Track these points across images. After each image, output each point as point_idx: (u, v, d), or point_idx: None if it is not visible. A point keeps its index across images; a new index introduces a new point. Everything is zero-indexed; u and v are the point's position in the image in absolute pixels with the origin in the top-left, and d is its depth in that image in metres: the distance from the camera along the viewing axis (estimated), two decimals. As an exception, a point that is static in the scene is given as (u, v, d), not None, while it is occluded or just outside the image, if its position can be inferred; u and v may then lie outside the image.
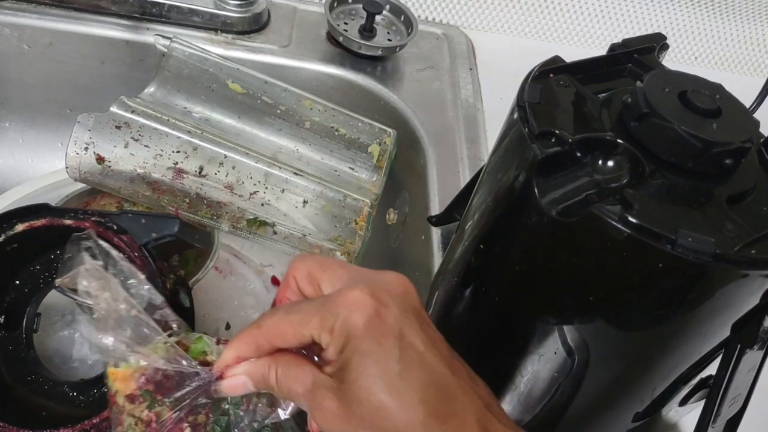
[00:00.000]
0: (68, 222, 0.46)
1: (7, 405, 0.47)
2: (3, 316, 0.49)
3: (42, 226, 0.46)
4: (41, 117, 0.79)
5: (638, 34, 0.47)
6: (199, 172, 0.59)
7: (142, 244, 0.45)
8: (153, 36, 0.69)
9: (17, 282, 0.50)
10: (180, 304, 0.47)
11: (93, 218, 0.46)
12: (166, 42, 0.66)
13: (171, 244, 0.47)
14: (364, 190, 0.65)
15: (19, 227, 0.46)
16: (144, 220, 0.46)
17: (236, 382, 0.35)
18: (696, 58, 0.98)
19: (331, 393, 0.32)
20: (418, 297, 0.34)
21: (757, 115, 0.39)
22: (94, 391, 0.49)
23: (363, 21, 0.78)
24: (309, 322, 0.32)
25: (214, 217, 0.61)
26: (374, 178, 0.67)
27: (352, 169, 0.67)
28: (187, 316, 0.46)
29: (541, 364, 0.41)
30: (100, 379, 0.48)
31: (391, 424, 0.30)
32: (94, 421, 0.43)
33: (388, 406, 0.30)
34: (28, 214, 0.46)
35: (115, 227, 0.45)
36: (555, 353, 0.40)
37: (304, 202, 0.61)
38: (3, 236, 0.46)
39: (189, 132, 0.60)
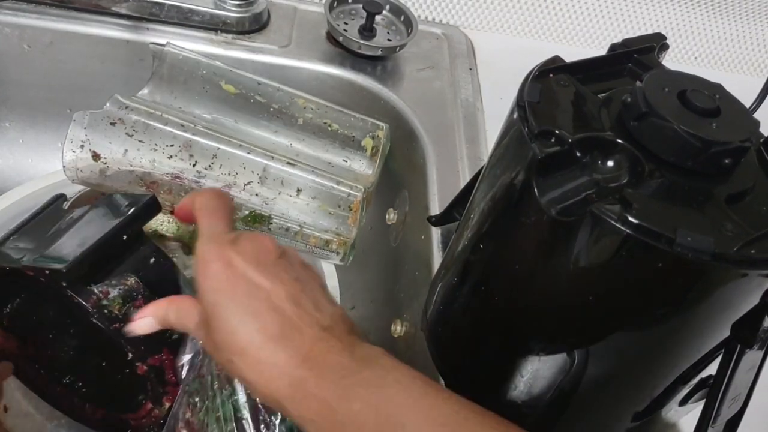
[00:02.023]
0: None
1: None
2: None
3: None
4: (41, 117, 0.79)
5: (638, 34, 0.47)
6: (194, 165, 0.60)
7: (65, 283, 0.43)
8: (149, 42, 0.69)
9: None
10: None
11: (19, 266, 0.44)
12: (160, 48, 0.67)
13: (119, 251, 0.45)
14: (359, 180, 0.65)
15: None
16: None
17: (142, 321, 0.43)
18: (696, 58, 0.98)
19: (206, 332, 0.39)
20: (276, 247, 0.41)
21: (757, 115, 0.39)
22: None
23: (363, 21, 0.78)
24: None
25: None
26: (369, 171, 0.67)
27: (346, 161, 0.67)
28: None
29: (540, 364, 0.41)
30: None
31: (237, 346, 0.37)
32: None
33: (235, 332, 0.38)
34: None
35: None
36: (554, 353, 0.40)
37: (298, 190, 0.61)
38: None
39: (182, 126, 0.60)
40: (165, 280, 0.47)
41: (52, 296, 0.45)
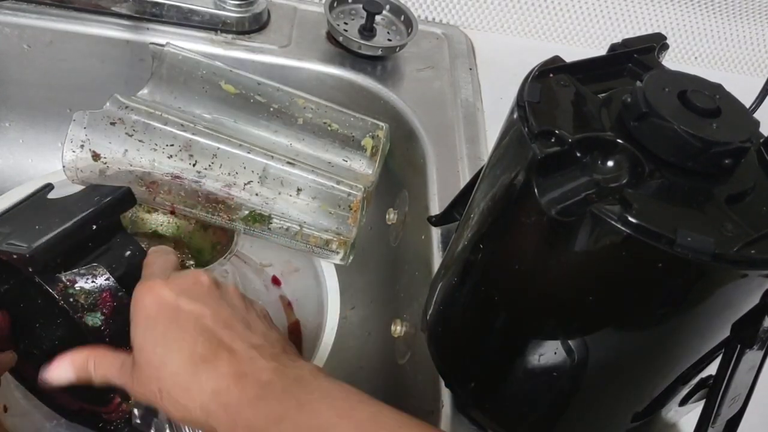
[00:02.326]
0: None
1: None
2: None
3: None
4: (41, 116, 0.79)
5: (638, 34, 0.47)
6: (193, 165, 0.59)
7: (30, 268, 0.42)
8: (149, 42, 0.69)
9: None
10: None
11: None
12: (159, 48, 0.67)
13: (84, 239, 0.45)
14: (359, 180, 0.65)
15: None
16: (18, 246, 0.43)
17: (59, 368, 0.42)
18: (696, 58, 0.98)
19: (131, 367, 0.40)
20: (211, 280, 0.42)
21: (757, 115, 0.39)
22: None
23: (363, 21, 0.78)
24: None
25: (211, 213, 0.61)
26: (369, 171, 0.67)
27: (346, 161, 0.67)
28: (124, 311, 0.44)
29: (540, 364, 0.41)
30: None
31: (166, 374, 0.38)
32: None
33: (162, 361, 0.38)
34: None
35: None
36: (554, 353, 0.40)
37: (299, 190, 0.61)
38: None
39: (182, 126, 0.60)
40: (140, 275, 0.46)
41: (28, 282, 0.44)
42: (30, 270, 0.43)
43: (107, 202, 0.46)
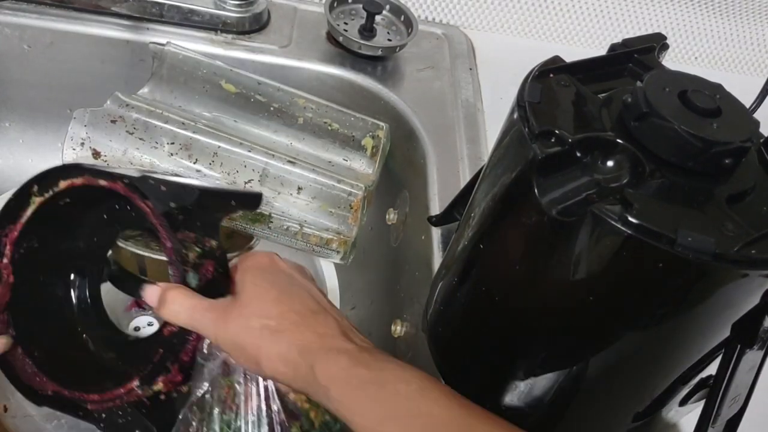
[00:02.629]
0: (102, 183, 0.46)
1: (75, 355, 0.50)
2: (78, 263, 0.52)
3: (81, 185, 0.47)
4: (42, 117, 0.79)
5: (638, 34, 0.47)
6: (194, 163, 0.59)
7: (163, 212, 0.44)
8: (149, 42, 0.69)
9: (84, 231, 0.52)
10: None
11: (124, 181, 0.46)
12: (160, 48, 0.67)
13: (213, 209, 0.47)
14: (359, 179, 0.65)
15: (62, 184, 0.47)
16: (164, 188, 0.45)
17: (151, 292, 0.44)
18: (696, 58, 0.98)
19: (229, 309, 0.42)
20: (313, 279, 0.47)
21: (757, 115, 0.39)
22: (142, 350, 0.49)
23: (363, 21, 0.78)
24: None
25: None
26: (369, 170, 0.67)
27: (347, 160, 0.67)
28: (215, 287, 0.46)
29: (540, 364, 0.41)
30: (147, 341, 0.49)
31: (277, 314, 0.41)
32: (120, 391, 0.45)
33: (276, 301, 0.41)
34: (67, 171, 0.47)
35: (141, 192, 0.45)
36: (555, 353, 0.40)
37: (299, 189, 0.61)
38: (51, 191, 0.47)
39: (183, 124, 0.60)
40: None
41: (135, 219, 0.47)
42: (173, 206, 0.44)
43: (243, 191, 0.52)
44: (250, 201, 0.51)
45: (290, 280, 0.44)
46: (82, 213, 0.51)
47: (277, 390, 0.45)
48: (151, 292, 0.44)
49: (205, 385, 0.44)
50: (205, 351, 0.44)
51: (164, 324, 0.45)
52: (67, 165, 0.48)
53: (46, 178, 0.48)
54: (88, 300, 0.53)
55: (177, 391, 0.45)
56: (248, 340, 0.40)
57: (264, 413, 0.44)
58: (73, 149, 0.57)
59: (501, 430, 0.36)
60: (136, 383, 0.45)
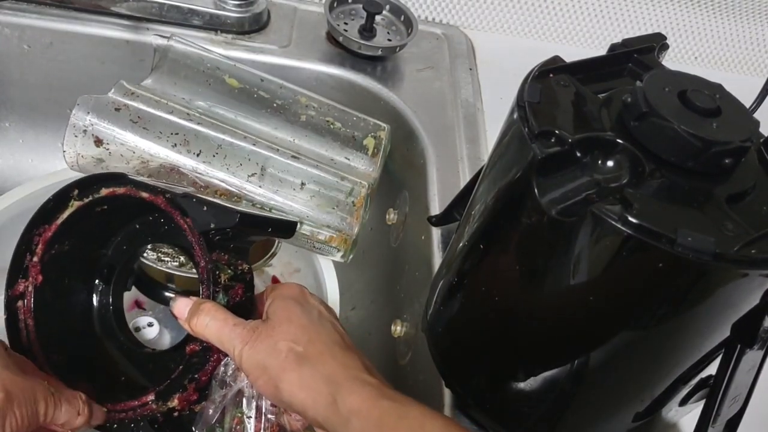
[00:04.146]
0: (144, 195, 0.47)
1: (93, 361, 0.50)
2: (105, 270, 0.52)
3: (122, 194, 0.47)
4: (41, 117, 0.79)
5: (638, 34, 0.47)
6: (197, 155, 0.59)
7: (201, 231, 0.45)
8: (152, 35, 0.69)
9: (114, 240, 0.52)
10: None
11: (166, 196, 0.46)
12: (164, 41, 0.67)
13: (248, 234, 0.48)
14: (361, 178, 0.65)
15: (103, 191, 0.48)
16: (206, 208, 0.45)
17: (181, 305, 0.44)
18: (696, 58, 0.98)
19: (259, 330, 0.42)
20: (338, 319, 0.47)
21: (757, 115, 0.39)
22: (158, 364, 0.50)
23: (363, 21, 0.78)
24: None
25: None
26: (370, 169, 0.67)
27: (348, 159, 0.67)
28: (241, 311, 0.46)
29: (540, 364, 0.41)
30: (168, 354, 0.50)
31: (306, 341, 0.41)
32: (135, 403, 0.45)
33: (306, 328, 0.42)
34: (110, 180, 0.48)
35: (182, 209, 0.46)
36: (555, 353, 0.40)
37: (302, 184, 0.61)
38: (91, 197, 0.48)
39: (187, 116, 0.60)
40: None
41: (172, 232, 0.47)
42: (213, 227, 0.45)
43: (277, 220, 0.51)
44: (286, 228, 0.51)
45: (319, 313, 0.44)
46: (116, 222, 0.51)
47: None
48: (182, 304, 0.44)
49: (218, 411, 0.44)
50: (223, 376, 0.44)
51: (186, 341, 0.45)
52: (111, 173, 0.49)
53: (88, 184, 0.48)
54: (111, 308, 0.53)
55: (190, 409, 0.45)
56: (273, 361, 0.40)
57: None
58: (75, 136, 0.57)
59: None
60: (151, 397, 0.45)
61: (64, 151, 0.57)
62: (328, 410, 0.38)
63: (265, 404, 0.44)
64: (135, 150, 0.58)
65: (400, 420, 0.37)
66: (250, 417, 0.43)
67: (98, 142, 0.57)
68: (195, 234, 0.45)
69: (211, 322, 0.42)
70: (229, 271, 0.45)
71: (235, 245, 0.46)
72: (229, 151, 0.60)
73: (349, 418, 0.37)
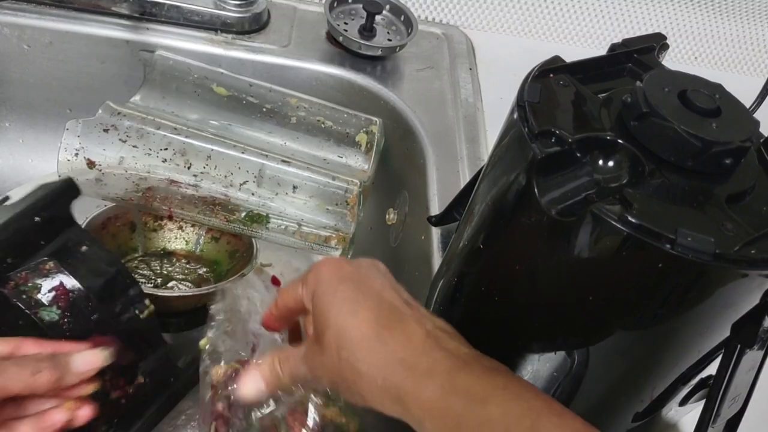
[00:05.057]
0: None
1: None
2: None
3: None
4: (41, 117, 0.79)
5: (638, 34, 0.47)
6: (188, 168, 0.59)
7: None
8: (139, 51, 0.69)
9: None
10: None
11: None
12: (149, 55, 0.67)
13: None
14: (355, 175, 0.65)
15: None
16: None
17: (251, 381, 0.41)
18: (696, 58, 0.98)
19: (313, 346, 0.38)
20: (384, 267, 0.42)
21: (757, 115, 0.39)
22: None
23: (363, 21, 0.78)
24: (296, 285, 0.41)
25: (209, 215, 0.61)
26: (365, 166, 0.68)
27: (341, 157, 0.67)
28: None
29: (540, 364, 0.41)
30: None
31: (350, 333, 0.36)
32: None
33: (346, 325, 0.36)
34: None
35: None
36: (555, 353, 0.40)
37: (294, 187, 0.61)
38: None
39: (175, 129, 0.60)
40: (101, 270, 0.45)
41: None
42: None
43: (47, 193, 0.45)
44: (67, 190, 0.47)
45: (357, 286, 0.39)
46: None
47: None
48: (249, 381, 0.41)
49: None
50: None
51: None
52: None
53: None
54: None
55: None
56: (335, 373, 0.37)
57: None
58: (68, 160, 0.57)
59: None
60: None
61: (59, 176, 0.57)
62: (397, 411, 0.35)
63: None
64: (128, 168, 0.58)
65: (480, 427, 0.32)
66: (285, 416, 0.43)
67: (90, 164, 0.58)
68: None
69: (281, 376, 0.40)
70: (36, 281, 0.43)
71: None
72: (220, 160, 0.61)
73: (422, 420, 0.34)
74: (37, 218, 0.44)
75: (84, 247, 0.46)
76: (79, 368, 0.42)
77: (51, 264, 0.44)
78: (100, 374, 0.44)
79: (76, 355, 0.42)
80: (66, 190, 0.46)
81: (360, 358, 0.35)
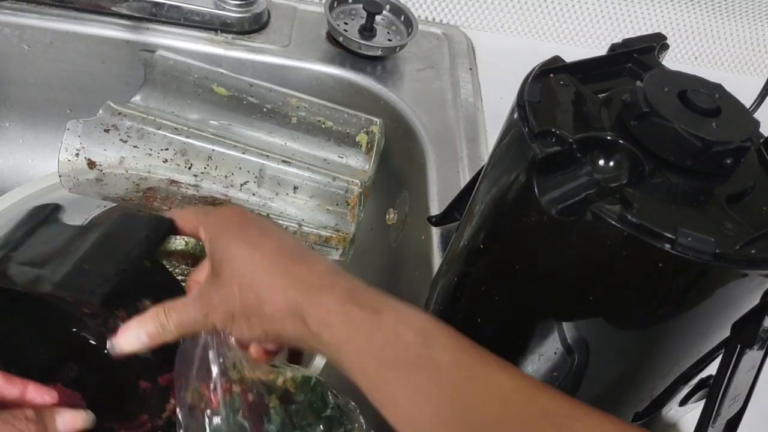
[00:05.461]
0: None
1: None
2: None
3: None
4: (41, 117, 0.79)
5: (638, 34, 0.47)
6: (189, 168, 0.59)
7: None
8: (139, 51, 0.69)
9: None
10: None
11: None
12: (150, 55, 0.67)
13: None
14: (355, 175, 0.65)
15: None
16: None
17: (128, 332, 0.39)
18: (696, 58, 0.98)
19: (209, 284, 0.38)
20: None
21: (757, 115, 0.39)
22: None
23: (363, 21, 0.78)
24: (190, 217, 0.43)
25: None
26: (365, 166, 0.68)
27: (342, 158, 0.67)
28: None
29: (540, 364, 0.41)
30: None
31: (252, 270, 0.37)
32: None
33: (250, 255, 0.37)
34: None
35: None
36: (555, 352, 0.40)
37: (295, 188, 0.61)
38: None
39: (176, 129, 0.60)
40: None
41: (59, 320, 0.44)
42: (87, 312, 0.42)
43: (155, 238, 0.44)
44: (168, 231, 0.46)
45: (262, 231, 0.40)
46: None
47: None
48: (125, 333, 0.39)
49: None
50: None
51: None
52: None
53: None
54: None
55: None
56: (235, 306, 0.37)
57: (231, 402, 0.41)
58: (69, 160, 0.57)
59: (516, 380, 0.33)
60: (145, 417, 0.45)
61: (60, 176, 0.57)
62: (297, 329, 0.36)
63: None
64: (128, 169, 0.58)
65: (374, 333, 0.34)
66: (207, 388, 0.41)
67: (91, 164, 0.58)
68: None
69: (166, 324, 0.39)
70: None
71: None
72: (221, 161, 0.61)
73: (320, 333, 0.35)
74: (148, 264, 0.44)
75: (166, 286, 0.45)
76: (61, 429, 0.40)
77: (147, 303, 0.43)
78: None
79: (59, 416, 0.40)
80: (168, 231, 0.45)
81: (262, 282, 0.36)
